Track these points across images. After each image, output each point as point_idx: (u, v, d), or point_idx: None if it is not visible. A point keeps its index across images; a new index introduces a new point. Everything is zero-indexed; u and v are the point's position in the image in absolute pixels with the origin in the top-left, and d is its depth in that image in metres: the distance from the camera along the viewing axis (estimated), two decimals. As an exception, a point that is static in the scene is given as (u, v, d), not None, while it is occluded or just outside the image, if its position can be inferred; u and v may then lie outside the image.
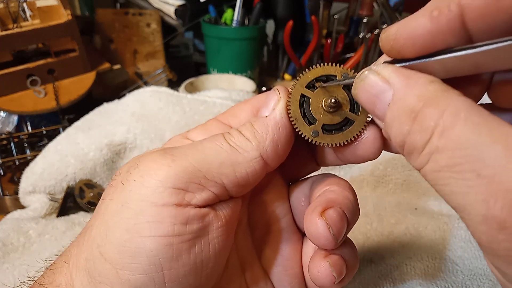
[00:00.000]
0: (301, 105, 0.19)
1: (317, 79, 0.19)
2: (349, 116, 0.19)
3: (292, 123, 0.19)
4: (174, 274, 0.16)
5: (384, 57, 0.17)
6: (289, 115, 0.19)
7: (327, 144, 0.19)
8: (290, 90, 0.19)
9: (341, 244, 0.19)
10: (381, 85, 0.15)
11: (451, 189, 0.12)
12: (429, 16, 0.14)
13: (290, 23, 0.70)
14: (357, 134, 0.19)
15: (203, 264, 0.17)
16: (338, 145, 0.19)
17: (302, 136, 0.19)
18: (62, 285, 0.17)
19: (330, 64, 0.19)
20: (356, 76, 0.16)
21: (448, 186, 0.12)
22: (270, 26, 0.76)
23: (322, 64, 0.19)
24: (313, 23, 0.72)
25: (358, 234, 0.35)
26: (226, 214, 0.18)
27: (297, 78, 0.19)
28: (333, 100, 0.18)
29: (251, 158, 0.18)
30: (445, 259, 0.31)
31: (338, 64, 0.19)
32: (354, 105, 0.19)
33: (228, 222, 0.18)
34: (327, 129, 0.19)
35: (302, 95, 0.19)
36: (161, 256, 0.16)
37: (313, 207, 0.18)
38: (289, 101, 0.19)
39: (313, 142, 0.19)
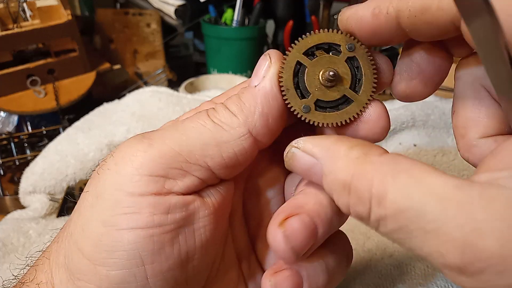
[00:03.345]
0: (295, 74, 0.16)
1: (318, 47, 0.17)
2: (348, 94, 0.16)
3: (282, 93, 0.16)
4: (157, 268, 0.15)
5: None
6: (280, 84, 0.16)
7: (318, 123, 0.17)
8: (285, 56, 0.17)
9: (308, 257, 0.17)
10: (308, 159, 0.15)
11: (409, 246, 0.12)
12: (372, 12, 0.15)
13: (290, 23, 0.70)
14: (353, 116, 0.16)
15: (189, 256, 0.16)
16: (330, 126, 0.17)
17: (291, 110, 0.16)
18: (43, 283, 0.16)
19: (337, 32, 0.17)
20: (284, 154, 0.16)
21: (405, 244, 0.13)
22: (270, 26, 0.76)
23: (325, 30, 0.17)
24: (313, 23, 0.72)
25: (358, 234, 0.35)
26: (215, 201, 0.17)
27: (295, 42, 0.17)
28: (331, 73, 0.16)
29: (238, 135, 0.16)
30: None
31: (343, 32, 0.17)
32: (356, 83, 0.17)
33: (217, 210, 0.17)
34: (321, 105, 0.17)
35: (298, 63, 0.16)
36: (141, 250, 0.15)
37: (277, 214, 0.16)
38: (283, 67, 0.16)
39: (302, 118, 0.17)
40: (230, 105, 0.17)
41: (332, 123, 0.17)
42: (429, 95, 0.17)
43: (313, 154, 0.15)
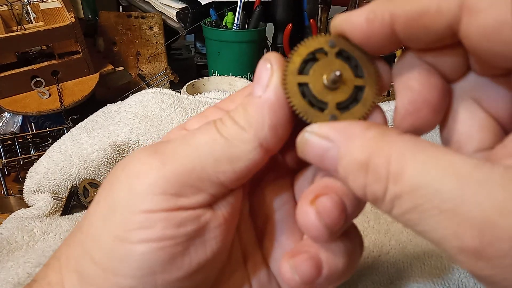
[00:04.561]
0: (304, 95, 0.16)
1: (306, 60, 0.17)
2: (357, 82, 0.16)
3: (304, 118, 0.16)
4: (167, 278, 0.15)
5: None
6: (296, 112, 0.16)
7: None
8: (284, 83, 0.16)
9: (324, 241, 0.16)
10: (323, 143, 0.15)
11: (422, 228, 0.12)
12: (366, 17, 0.15)
13: (289, 26, 0.71)
14: (374, 97, 0.17)
15: (199, 266, 0.16)
16: (364, 118, 0.17)
17: None
18: (53, 282, 0.17)
19: (311, 38, 0.17)
20: (297, 140, 0.16)
21: (418, 226, 0.12)
22: (269, 29, 0.77)
23: (303, 42, 0.17)
24: (311, 26, 0.73)
25: (356, 232, 0.35)
26: (225, 212, 0.17)
27: (285, 67, 0.16)
28: (338, 73, 0.16)
29: (250, 150, 0.16)
30: (441, 257, 0.32)
31: (319, 34, 0.17)
32: (356, 69, 0.17)
33: (228, 220, 0.17)
34: (342, 106, 0.16)
35: (299, 84, 0.16)
36: (153, 261, 0.15)
37: (306, 194, 0.16)
38: (289, 96, 0.16)
39: None
40: (238, 119, 0.16)
41: (362, 115, 0.16)
42: (437, 124, 0.16)
43: (328, 136, 0.15)
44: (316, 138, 0.15)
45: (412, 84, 0.16)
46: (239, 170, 0.16)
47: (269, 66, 0.16)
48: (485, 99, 0.16)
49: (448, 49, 0.15)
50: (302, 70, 0.16)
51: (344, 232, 0.17)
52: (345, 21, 0.15)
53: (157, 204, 0.15)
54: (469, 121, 0.16)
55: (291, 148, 0.18)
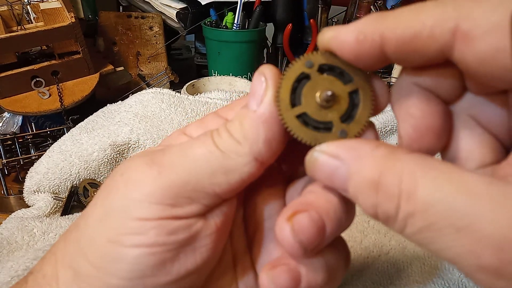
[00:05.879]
0: (306, 124, 0.16)
1: (293, 90, 0.16)
2: (349, 88, 0.16)
3: (317, 145, 0.16)
4: (156, 281, 0.16)
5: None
6: (307, 143, 0.16)
7: (363, 127, 0.16)
8: (284, 122, 0.16)
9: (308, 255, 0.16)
10: (333, 162, 0.15)
11: (437, 246, 0.12)
12: (356, 38, 0.14)
13: (289, 26, 0.71)
14: (372, 95, 0.16)
15: (188, 272, 0.16)
16: (370, 117, 0.17)
17: None
18: (48, 275, 0.17)
19: (287, 67, 0.17)
20: (306, 159, 0.16)
21: (433, 244, 0.12)
22: (269, 29, 0.77)
23: (282, 76, 0.16)
24: (311, 26, 0.73)
25: (356, 232, 0.35)
26: (218, 221, 0.17)
27: (278, 108, 0.16)
28: (329, 93, 0.16)
29: (244, 163, 0.16)
30: (441, 257, 0.32)
31: (294, 60, 0.16)
32: (343, 76, 0.16)
33: (220, 229, 0.17)
34: (346, 117, 0.16)
35: (298, 116, 0.16)
36: (143, 265, 0.16)
37: (285, 209, 0.16)
38: (294, 132, 0.16)
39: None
40: (234, 132, 0.16)
41: (368, 116, 0.16)
42: (443, 146, 0.16)
43: (337, 155, 0.15)
44: (325, 157, 0.15)
45: (413, 112, 0.16)
46: (234, 182, 0.16)
47: (263, 80, 0.16)
48: (482, 117, 0.16)
49: (443, 71, 0.15)
50: (294, 102, 0.16)
51: (330, 247, 0.17)
52: (334, 39, 0.15)
53: (151, 213, 0.16)
54: (469, 138, 0.16)
55: (286, 156, 0.18)
